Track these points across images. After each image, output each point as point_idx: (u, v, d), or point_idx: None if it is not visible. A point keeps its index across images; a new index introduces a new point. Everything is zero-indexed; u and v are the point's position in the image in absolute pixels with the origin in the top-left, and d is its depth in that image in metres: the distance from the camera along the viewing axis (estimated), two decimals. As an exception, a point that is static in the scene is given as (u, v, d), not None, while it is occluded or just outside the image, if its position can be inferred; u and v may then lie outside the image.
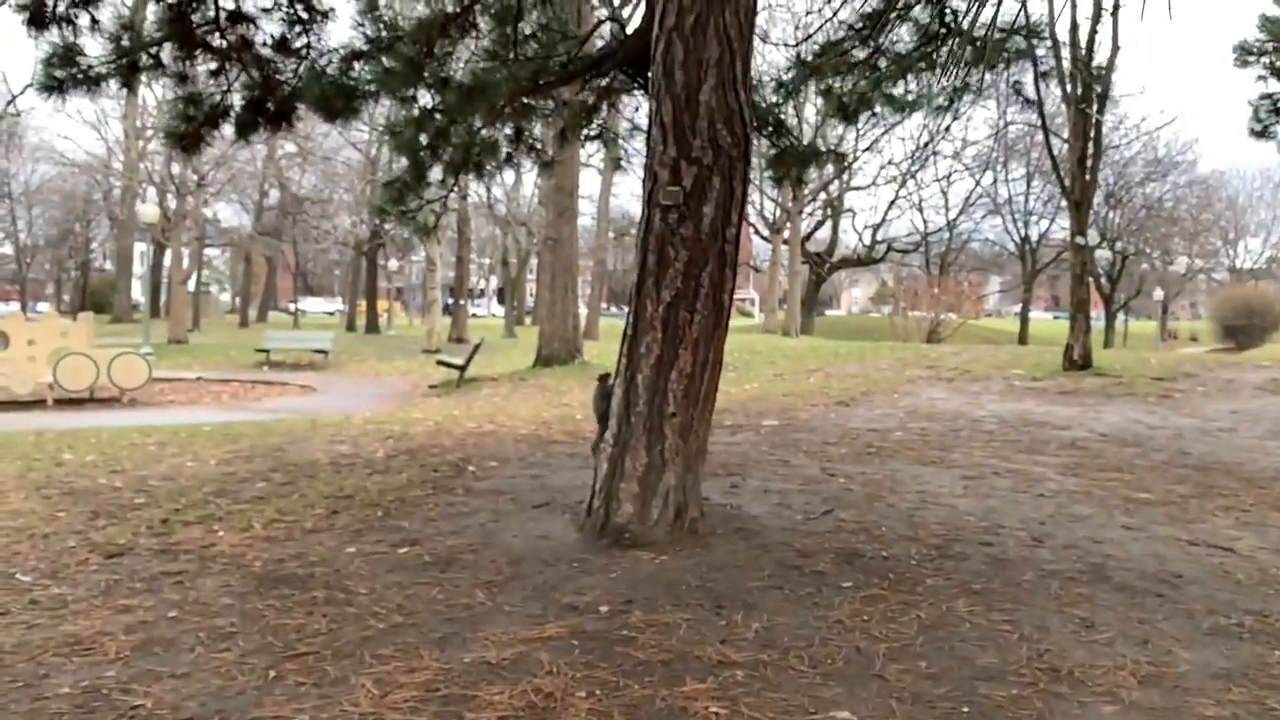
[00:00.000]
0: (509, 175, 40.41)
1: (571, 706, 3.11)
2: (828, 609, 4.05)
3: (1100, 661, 3.51)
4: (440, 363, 18.16)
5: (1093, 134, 13.36)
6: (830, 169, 35.63)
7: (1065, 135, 14.51)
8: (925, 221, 48.50)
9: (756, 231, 43.60)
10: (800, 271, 40.06)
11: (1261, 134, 13.03)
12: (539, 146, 8.21)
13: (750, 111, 5.12)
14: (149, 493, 6.30)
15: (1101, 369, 13.47)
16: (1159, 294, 47.06)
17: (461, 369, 16.88)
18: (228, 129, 7.31)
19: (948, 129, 42.27)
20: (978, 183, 46.72)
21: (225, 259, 63.15)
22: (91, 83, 6.48)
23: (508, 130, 8.04)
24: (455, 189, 8.61)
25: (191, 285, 38.02)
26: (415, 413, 11.29)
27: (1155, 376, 12.62)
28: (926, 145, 42.85)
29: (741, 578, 4.44)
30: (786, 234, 39.19)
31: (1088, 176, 13.65)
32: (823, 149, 9.12)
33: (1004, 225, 47.82)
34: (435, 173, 8.19)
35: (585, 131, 8.09)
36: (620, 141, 8.69)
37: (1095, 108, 13.22)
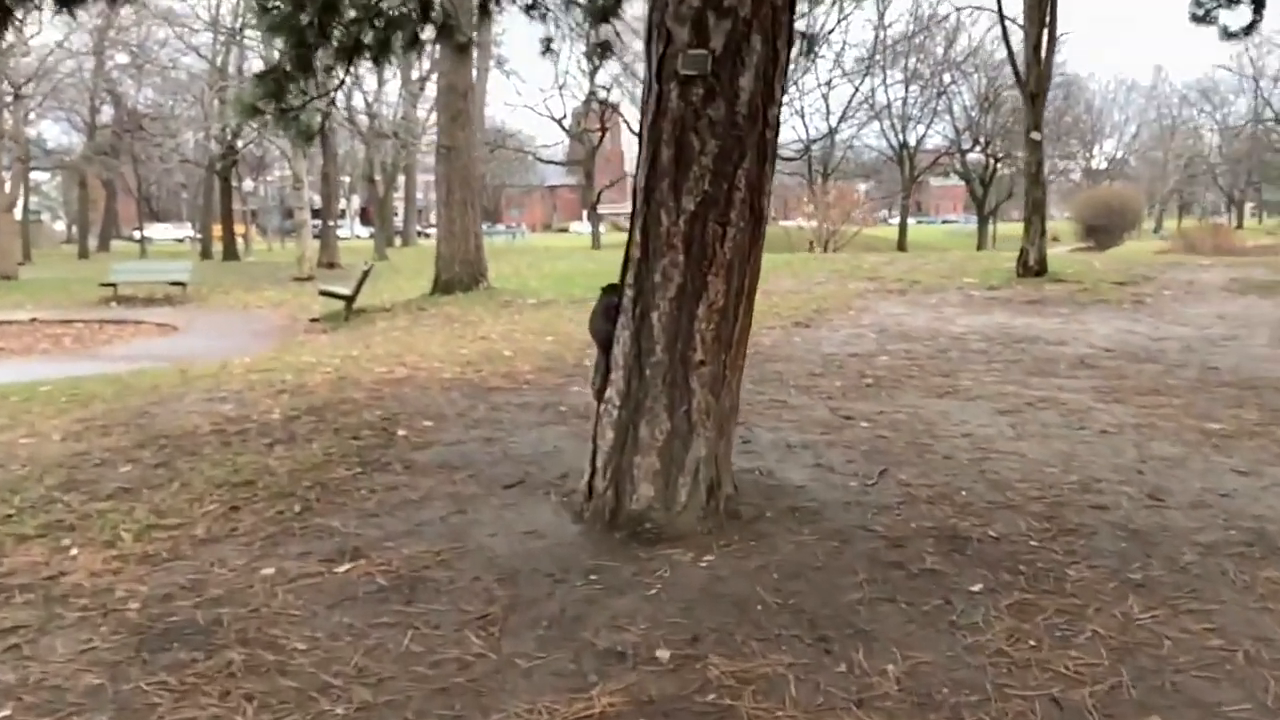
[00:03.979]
0: (370, 81, 37.57)
1: None
2: (973, 632, 2.93)
3: (1390, 696, 2.50)
4: (324, 292, 16.13)
5: (1048, 19, 12.40)
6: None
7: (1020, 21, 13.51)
8: (808, 129, 48.23)
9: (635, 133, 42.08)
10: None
11: (1203, 19, 12.36)
12: (454, 23, 6.59)
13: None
14: (-33, 491, 4.64)
15: (1058, 275, 12.82)
16: (1029, 195, 48.15)
17: (349, 299, 15.03)
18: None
19: (830, 32, 41.58)
20: (857, 89, 46.61)
21: (57, 184, 57.64)
22: None
23: (413, 2, 6.40)
24: (348, 76, 6.87)
25: (18, 213, 33.85)
26: (305, 354, 9.61)
27: (1116, 281, 12.01)
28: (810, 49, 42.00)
29: (830, 586, 3.26)
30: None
31: (1042, 66, 12.73)
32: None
33: (881, 131, 48.15)
34: (320, 59, 6.48)
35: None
36: (551, 16, 7.10)
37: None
